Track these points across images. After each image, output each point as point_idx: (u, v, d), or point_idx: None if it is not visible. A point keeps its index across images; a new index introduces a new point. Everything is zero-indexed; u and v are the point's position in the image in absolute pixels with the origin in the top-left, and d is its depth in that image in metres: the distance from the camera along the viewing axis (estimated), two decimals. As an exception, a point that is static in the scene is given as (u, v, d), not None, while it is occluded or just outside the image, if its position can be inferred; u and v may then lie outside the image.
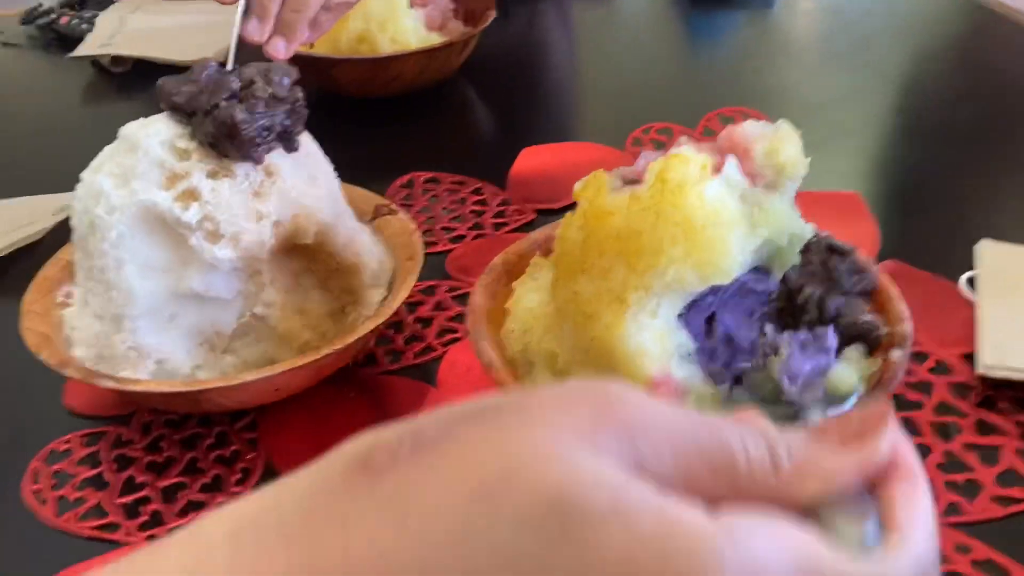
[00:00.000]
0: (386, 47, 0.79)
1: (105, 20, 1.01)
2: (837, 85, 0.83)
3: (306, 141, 0.50)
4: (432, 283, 0.60)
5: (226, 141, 0.44)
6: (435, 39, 0.82)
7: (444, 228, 0.66)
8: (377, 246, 0.54)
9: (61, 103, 0.91)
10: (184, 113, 0.46)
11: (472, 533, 0.20)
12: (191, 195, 0.45)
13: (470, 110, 0.84)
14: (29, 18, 1.05)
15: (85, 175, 0.47)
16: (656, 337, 0.42)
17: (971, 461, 0.45)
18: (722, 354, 0.45)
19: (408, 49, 0.79)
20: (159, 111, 0.47)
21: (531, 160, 0.73)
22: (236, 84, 0.45)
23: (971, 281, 0.55)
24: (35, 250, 0.65)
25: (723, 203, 0.41)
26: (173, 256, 0.45)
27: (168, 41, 0.96)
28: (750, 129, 0.44)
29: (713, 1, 1.02)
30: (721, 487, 0.22)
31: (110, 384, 0.44)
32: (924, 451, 0.46)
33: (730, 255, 0.41)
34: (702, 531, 0.21)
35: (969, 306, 0.54)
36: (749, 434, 0.23)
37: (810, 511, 0.23)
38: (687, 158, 0.41)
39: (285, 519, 0.22)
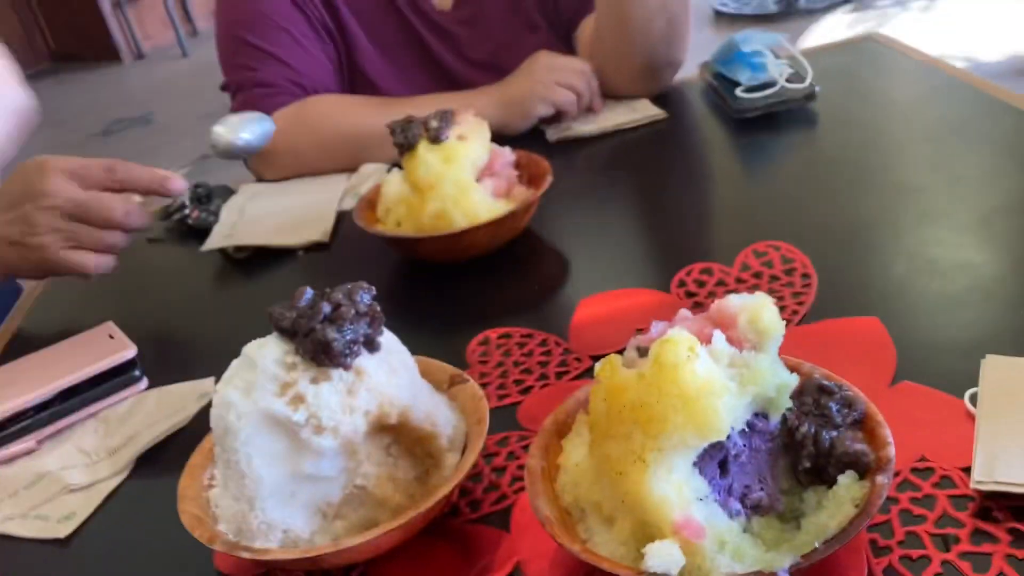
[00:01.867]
0: (460, 222, 0.92)
1: (227, 211, 1.18)
2: (865, 208, 0.91)
3: (386, 340, 0.62)
4: (505, 434, 0.70)
5: (322, 355, 0.57)
6: (502, 206, 0.95)
7: (515, 380, 0.76)
8: (453, 413, 0.65)
9: (197, 290, 1.07)
10: (289, 334, 0.58)
11: None
12: (299, 399, 0.57)
13: (536, 264, 0.95)
14: (165, 215, 1.23)
15: (219, 387, 0.60)
16: (675, 487, 0.51)
17: (965, 569, 0.52)
18: (737, 489, 0.54)
19: (478, 221, 0.91)
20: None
21: (588, 310, 0.83)
22: (327, 308, 0.58)
23: (974, 397, 0.62)
24: (184, 432, 0.79)
25: (711, 374, 0.50)
26: (289, 447, 0.58)
27: (280, 224, 1.12)
28: (734, 302, 0.54)
29: (758, 126, 1.12)
30: None
31: (247, 555, 0.56)
32: (925, 562, 0.53)
33: (721, 417, 0.50)
34: None
35: (972, 420, 0.61)
36: None
37: None
38: (675, 341, 0.50)
39: None
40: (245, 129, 1.04)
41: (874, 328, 0.72)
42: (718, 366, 0.51)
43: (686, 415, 0.49)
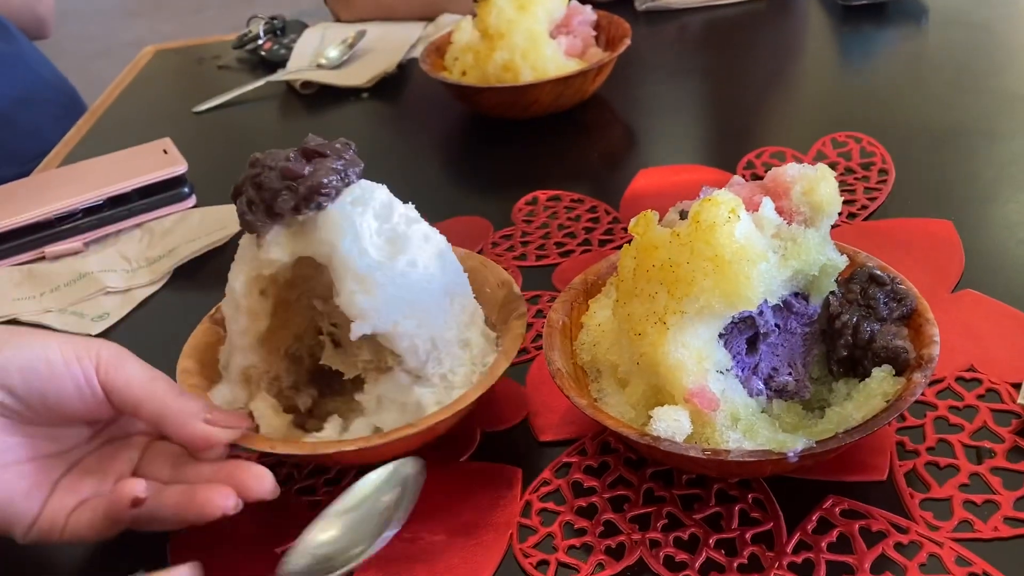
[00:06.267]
0: (527, 75, 0.88)
1: (302, 45, 1.15)
2: (963, 112, 0.84)
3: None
4: (537, 292, 0.68)
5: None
6: (573, 66, 0.90)
7: (556, 243, 0.74)
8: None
9: (259, 120, 1.06)
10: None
11: None
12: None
13: (601, 132, 0.91)
14: (239, 43, 1.22)
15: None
16: (693, 354, 0.48)
17: (995, 484, 0.48)
18: (764, 369, 0.51)
19: (545, 77, 0.87)
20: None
21: (646, 181, 0.80)
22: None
23: (1041, 313, 0.58)
24: (224, 251, 0.79)
25: (749, 240, 0.47)
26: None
27: (350, 65, 1.09)
28: (791, 171, 0.50)
29: (865, 16, 1.04)
30: None
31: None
32: (952, 472, 0.49)
33: (753, 286, 0.46)
34: None
35: (1035, 338, 0.56)
36: None
37: None
38: (718, 201, 0.47)
39: None
40: None
41: (945, 231, 0.67)
42: (761, 235, 0.48)
43: (715, 279, 0.46)
